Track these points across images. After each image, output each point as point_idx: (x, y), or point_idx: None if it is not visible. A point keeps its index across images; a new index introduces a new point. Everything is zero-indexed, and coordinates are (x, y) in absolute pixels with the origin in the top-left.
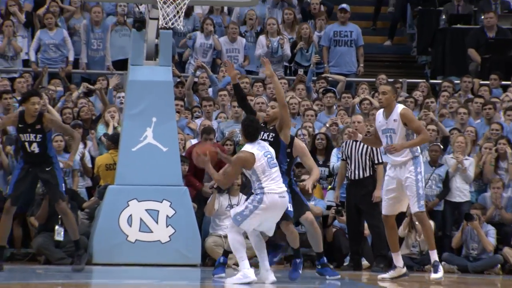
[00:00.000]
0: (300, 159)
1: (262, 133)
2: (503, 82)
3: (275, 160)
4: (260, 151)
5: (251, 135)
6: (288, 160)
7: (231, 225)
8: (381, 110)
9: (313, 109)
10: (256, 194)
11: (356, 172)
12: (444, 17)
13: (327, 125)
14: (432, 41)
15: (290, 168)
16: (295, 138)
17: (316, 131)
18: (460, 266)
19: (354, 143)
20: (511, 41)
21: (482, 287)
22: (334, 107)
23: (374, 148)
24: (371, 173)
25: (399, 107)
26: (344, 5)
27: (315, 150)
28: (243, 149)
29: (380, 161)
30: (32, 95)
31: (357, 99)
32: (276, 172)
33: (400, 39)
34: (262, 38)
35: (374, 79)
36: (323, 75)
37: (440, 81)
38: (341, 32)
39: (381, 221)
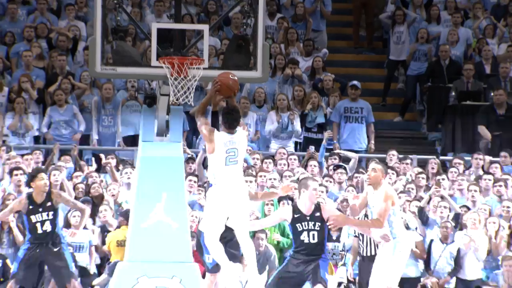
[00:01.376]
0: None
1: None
2: None
3: (236, 159)
4: (225, 145)
5: (228, 124)
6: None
7: None
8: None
9: (324, 185)
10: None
11: (368, 249)
12: (453, 93)
13: (338, 201)
14: (442, 118)
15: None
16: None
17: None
18: None
19: (365, 218)
20: None
21: None
22: (345, 183)
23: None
24: None
25: (385, 186)
26: (355, 82)
27: None
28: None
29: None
30: (39, 171)
31: (366, 175)
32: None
33: (410, 116)
34: (272, 113)
35: (384, 155)
36: (336, 151)
37: (450, 157)
38: (352, 109)
39: None
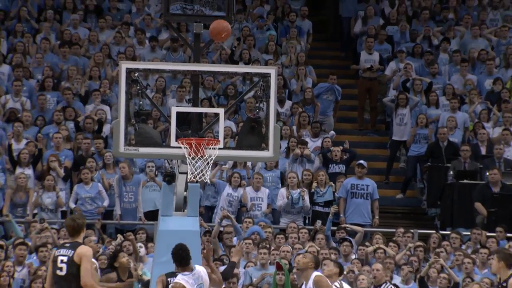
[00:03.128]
0: None
1: None
2: (508, 234)
3: None
4: (193, 284)
5: (180, 261)
6: None
7: None
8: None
9: (330, 258)
10: None
11: None
12: (451, 172)
13: (344, 272)
14: (441, 195)
15: None
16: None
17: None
18: None
19: None
20: None
21: None
22: (351, 255)
23: None
24: None
25: (314, 274)
26: (362, 161)
27: None
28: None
29: None
30: (119, 251)
31: (371, 248)
32: None
33: (411, 193)
34: (283, 190)
35: (387, 229)
36: (343, 226)
37: (449, 232)
38: (358, 186)
39: None
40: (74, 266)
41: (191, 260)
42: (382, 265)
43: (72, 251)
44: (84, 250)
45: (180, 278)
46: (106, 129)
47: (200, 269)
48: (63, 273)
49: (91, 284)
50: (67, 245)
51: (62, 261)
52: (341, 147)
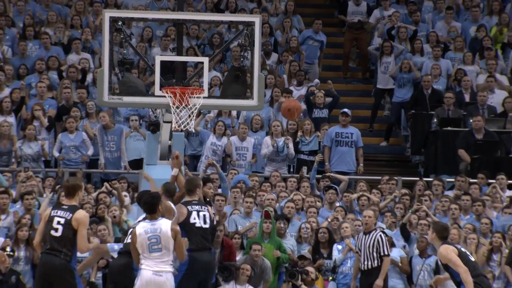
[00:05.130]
0: None
1: None
2: (490, 181)
3: (158, 246)
4: (146, 233)
5: (148, 209)
6: None
7: None
8: None
9: (315, 206)
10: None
11: (366, 263)
12: (435, 120)
13: (329, 219)
14: (424, 142)
15: None
16: None
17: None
18: None
19: (364, 236)
20: (498, 142)
21: None
22: (335, 203)
23: (381, 241)
24: (379, 264)
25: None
26: (346, 110)
27: (318, 244)
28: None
29: (386, 253)
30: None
31: (355, 195)
32: (158, 257)
33: (396, 140)
34: (267, 138)
35: (371, 177)
36: (327, 174)
37: (432, 179)
38: (343, 134)
39: None
40: (70, 230)
41: (159, 210)
42: (373, 212)
43: (70, 214)
44: (82, 216)
45: (139, 225)
46: (89, 78)
47: (163, 222)
48: (58, 234)
49: (88, 250)
50: (65, 207)
51: (58, 223)
52: (324, 91)
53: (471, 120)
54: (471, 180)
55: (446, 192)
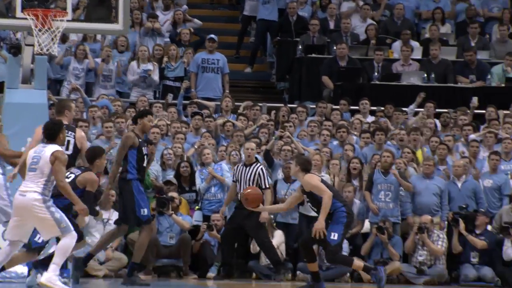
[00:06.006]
0: None
1: None
2: (352, 107)
3: (35, 166)
4: (35, 153)
5: (48, 135)
6: None
7: None
8: None
9: (182, 132)
10: None
11: None
12: (300, 47)
13: (195, 146)
14: (289, 69)
15: None
16: None
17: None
18: None
19: (244, 167)
20: (360, 69)
21: None
22: (201, 129)
23: (262, 174)
24: None
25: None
26: (212, 35)
27: (179, 177)
28: None
29: (267, 186)
30: None
31: (220, 121)
32: (32, 176)
33: (261, 67)
34: (133, 63)
35: (237, 103)
36: (194, 100)
37: (296, 105)
38: (209, 60)
39: (267, 236)
40: None
41: (57, 136)
42: (255, 144)
43: None
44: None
45: (32, 149)
46: None
47: (48, 149)
48: None
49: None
50: None
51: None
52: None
53: (335, 48)
54: (334, 107)
55: (310, 118)
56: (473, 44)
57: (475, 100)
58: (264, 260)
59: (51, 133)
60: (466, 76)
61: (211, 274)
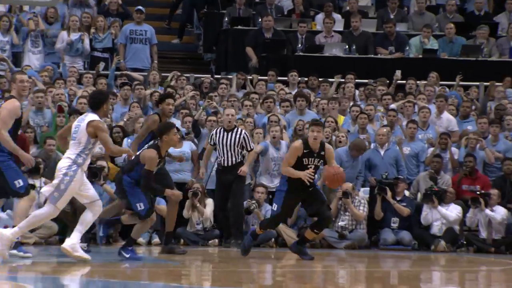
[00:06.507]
0: None
1: None
2: (279, 78)
3: (75, 135)
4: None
5: (91, 104)
6: None
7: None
8: None
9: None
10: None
11: (229, 159)
12: (226, 19)
13: (125, 118)
14: (216, 41)
15: None
16: None
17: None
18: None
19: (226, 133)
20: (285, 41)
21: (257, 260)
22: (130, 99)
23: (246, 138)
24: (241, 160)
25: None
26: (140, 7)
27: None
28: None
29: (253, 147)
30: None
31: (148, 91)
32: (72, 144)
33: (189, 38)
34: (63, 33)
35: (165, 74)
36: (124, 72)
37: (221, 76)
38: (137, 31)
39: (241, 203)
40: None
41: (101, 107)
42: (234, 110)
43: None
44: None
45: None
46: None
47: (87, 118)
48: None
49: None
50: None
51: None
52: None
53: (260, 20)
54: (261, 77)
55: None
56: (392, 16)
57: (398, 73)
58: (190, 226)
59: (95, 102)
60: (386, 48)
61: (142, 240)
